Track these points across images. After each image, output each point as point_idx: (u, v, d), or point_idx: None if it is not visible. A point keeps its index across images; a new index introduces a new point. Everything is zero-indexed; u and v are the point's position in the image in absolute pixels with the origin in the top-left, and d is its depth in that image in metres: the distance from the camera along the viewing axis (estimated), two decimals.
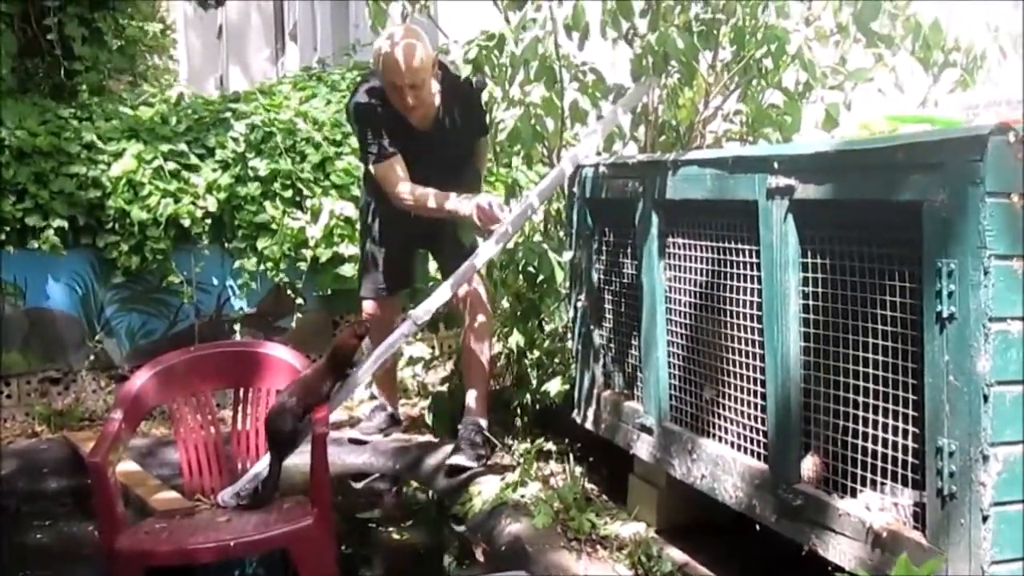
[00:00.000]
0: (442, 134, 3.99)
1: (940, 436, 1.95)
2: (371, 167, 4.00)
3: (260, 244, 5.21)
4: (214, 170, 5.23)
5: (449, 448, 4.03)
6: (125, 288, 5.15)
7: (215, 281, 5.30)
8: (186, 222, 5.09)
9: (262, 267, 5.25)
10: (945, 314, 1.92)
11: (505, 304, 4.32)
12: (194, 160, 5.24)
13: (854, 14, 3.18)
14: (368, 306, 4.34)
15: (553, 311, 4.37)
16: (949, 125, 2.32)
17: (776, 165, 2.40)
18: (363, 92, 4.00)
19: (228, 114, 5.53)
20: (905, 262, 2.07)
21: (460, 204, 3.80)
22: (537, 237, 4.22)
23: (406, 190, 3.92)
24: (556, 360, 4.19)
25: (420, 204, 3.92)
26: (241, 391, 3.45)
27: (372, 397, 4.88)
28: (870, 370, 2.20)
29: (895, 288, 2.11)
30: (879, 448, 2.18)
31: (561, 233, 4.14)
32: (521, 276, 3.92)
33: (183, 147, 5.25)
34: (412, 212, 3.99)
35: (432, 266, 4.58)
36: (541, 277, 3.79)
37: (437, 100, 3.96)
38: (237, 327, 5.31)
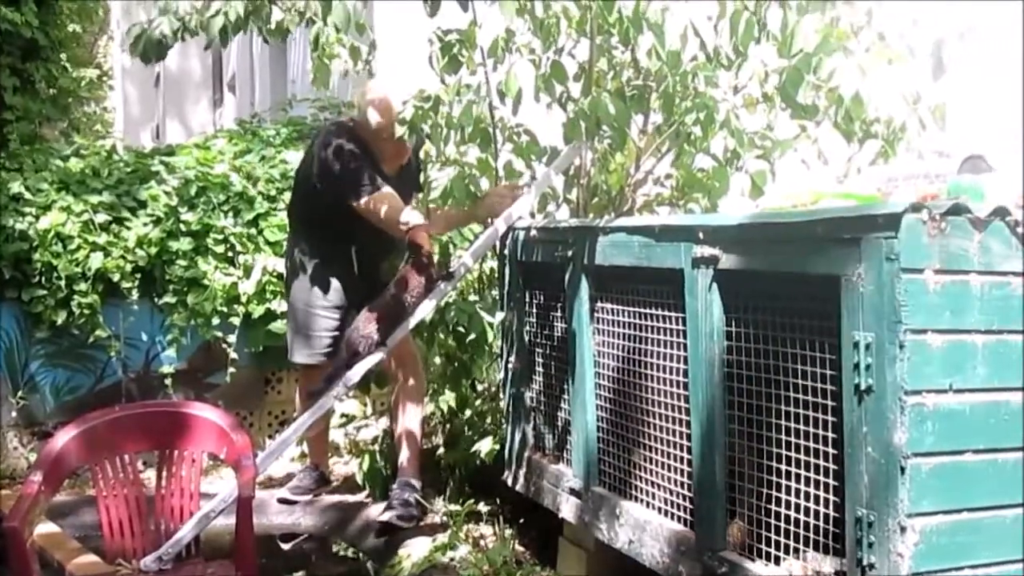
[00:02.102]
0: (400, 184, 4.00)
1: (859, 506, 1.98)
2: (364, 200, 3.84)
3: (191, 299, 5.16)
4: (145, 224, 5.18)
5: (380, 508, 3.99)
6: (51, 343, 5.06)
7: (144, 336, 5.23)
8: (115, 276, 5.02)
9: (193, 323, 5.19)
10: (863, 386, 1.96)
11: (437, 362, 4.31)
12: (125, 213, 5.18)
13: (778, 85, 3.25)
14: (303, 371, 4.30)
15: (486, 370, 4.37)
16: (868, 201, 2.38)
17: (701, 235, 2.44)
18: (343, 137, 3.96)
19: (161, 167, 5.48)
20: (825, 333, 2.11)
21: (483, 206, 3.83)
22: (472, 296, 4.22)
23: (412, 215, 3.81)
24: (488, 420, 4.18)
25: (437, 224, 3.95)
26: (166, 452, 3.39)
27: (303, 456, 4.83)
28: (792, 439, 2.23)
29: (815, 359, 2.15)
30: (801, 516, 2.21)
31: (495, 293, 4.15)
32: (451, 335, 3.92)
33: (114, 200, 5.19)
34: (355, 270, 4.02)
35: None
36: (471, 336, 3.79)
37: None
38: (167, 383, 5.22)
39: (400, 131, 3.67)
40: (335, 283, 4.11)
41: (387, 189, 3.86)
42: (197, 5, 4.17)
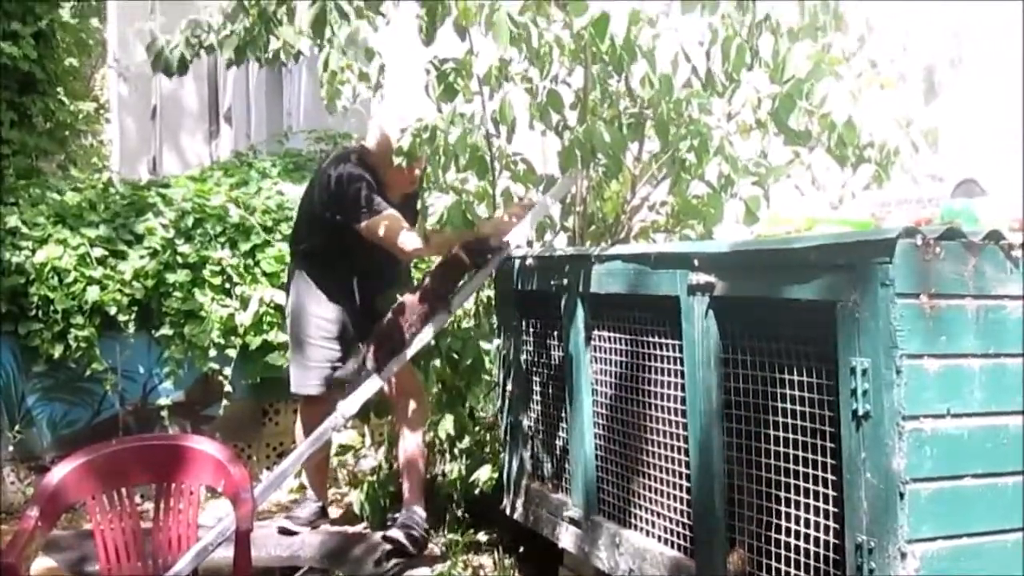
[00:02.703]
0: (405, 210, 4.01)
1: (859, 533, 1.98)
2: (369, 219, 3.85)
3: (188, 331, 5.15)
4: (142, 257, 5.18)
5: (378, 537, 3.97)
6: (47, 376, 5.04)
7: (141, 369, 5.22)
8: (112, 309, 5.02)
9: (190, 355, 5.18)
10: (860, 412, 1.96)
11: (434, 390, 4.31)
12: (121, 246, 5.19)
13: (771, 111, 3.27)
14: (303, 402, 4.29)
15: (483, 398, 4.36)
16: (863, 226, 2.39)
17: (696, 262, 2.45)
18: (350, 161, 3.97)
19: (157, 199, 5.49)
20: (822, 359, 2.11)
21: (490, 226, 3.80)
22: (465, 323, 4.23)
23: (410, 237, 3.84)
24: (486, 448, 4.17)
25: (435, 246, 3.90)
26: (164, 485, 3.37)
27: (302, 487, 4.80)
28: (791, 465, 2.23)
29: (813, 385, 2.15)
30: (801, 543, 2.20)
31: (491, 322, 4.15)
32: (446, 363, 3.92)
33: (110, 233, 5.19)
34: (356, 300, 4.02)
35: None
36: (466, 363, 3.79)
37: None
38: (164, 416, 5.21)
39: (398, 160, 3.68)
40: (336, 314, 4.11)
41: (389, 210, 3.86)
42: (213, 23, 4.17)
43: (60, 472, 3.21)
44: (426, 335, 3.66)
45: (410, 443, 4.05)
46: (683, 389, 2.56)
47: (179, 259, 5.23)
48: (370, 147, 4.00)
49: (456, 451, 4.25)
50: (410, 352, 3.65)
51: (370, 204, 3.86)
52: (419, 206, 4.06)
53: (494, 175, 3.81)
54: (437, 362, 4.05)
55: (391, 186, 3.98)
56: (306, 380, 4.18)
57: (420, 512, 3.96)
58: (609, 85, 3.73)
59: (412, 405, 4.06)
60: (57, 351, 4.93)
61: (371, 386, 3.61)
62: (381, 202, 3.88)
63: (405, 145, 3.65)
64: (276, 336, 5.13)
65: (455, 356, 3.84)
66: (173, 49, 4.15)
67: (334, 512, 4.61)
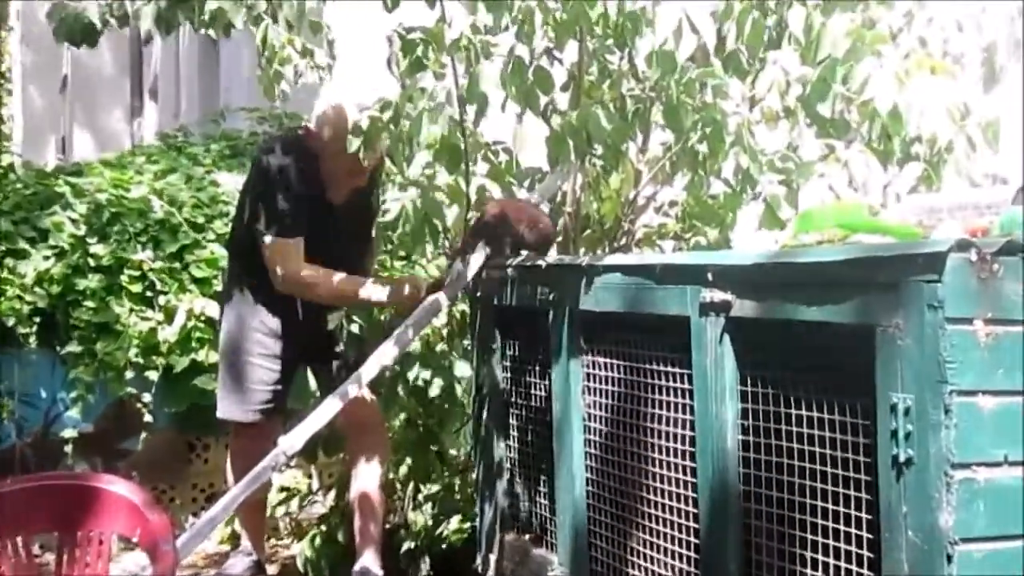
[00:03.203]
0: (351, 215, 4.01)
1: None
2: (271, 239, 3.95)
3: (100, 349, 5.13)
4: (47, 257, 5.17)
5: None
6: None
7: (43, 393, 5.20)
8: (10, 320, 5.00)
9: (102, 376, 5.16)
10: (902, 458, 1.96)
11: (396, 424, 4.31)
12: (22, 245, 5.17)
13: (801, 97, 3.29)
14: (236, 432, 4.28)
15: (455, 436, 4.36)
16: (907, 236, 2.40)
17: (710, 276, 2.45)
18: (290, 155, 3.99)
19: (67, 190, 5.48)
20: (857, 395, 2.12)
21: (385, 290, 3.91)
22: (439, 346, 4.23)
23: (310, 273, 3.94)
24: (456, 495, 4.17)
25: (329, 290, 3.97)
26: (68, 534, 3.36)
27: (234, 537, 4.79)
28: (819, 520, 2.23)
29: (846, 425, 2.15)
30: None
31: (466, 343, 4.15)
32: (413, 395, 3.91)
33: (9, 228, 5.18)
34: (300, 316, 4.04)
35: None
36: (437, 395, 3.79)
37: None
38: (69, 450, 5.18)
39: (356, 143, 3.68)
40: (275, 329, 4.11)
41: (295, 242, 3.93)
42: None
43: None
44: (387, 354, 3.65)
45: (366, 485, 4.05)
46: (692, 427, 2.57)
47: (91, 261, 5.22)
48: (314, 131, 3.99)
49: (421, 497, 4.25)
50: (365, 376, 3.64)
51: (282, 220, 3.91)
52: (375, 205, 4.06)
53: (467, 168, 3.81)
54: (401, 392, 4.05)
55: (336, 180, 3.98)
56: (240, 405, 4.18)
57: (376, 570, 3.95)
58: (609, 62, 3.74)
59: (372, 443, 4.06)
60: None
61: (319, 417, 3.60)
62: (300, 223, 3.93)
63: (364, 125, 3.65)
64: (207, 356, 5.12)
65: (422, 387, 3.83)
66: (79, 16, 4.13)
67: (273, 569, 4.60)
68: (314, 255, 3.99)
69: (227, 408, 4.25)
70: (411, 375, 3.85)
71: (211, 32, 4.02)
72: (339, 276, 3.96)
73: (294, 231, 3.95)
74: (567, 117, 3.52)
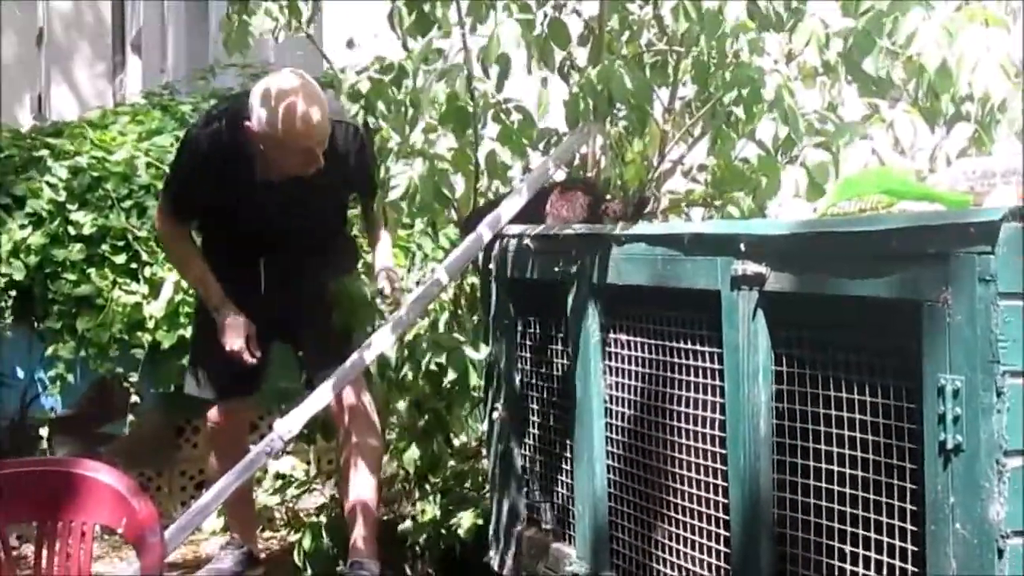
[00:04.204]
0: (303, 190, 4.00)
1: None
2: (163, 214, 4.27)
3: (81, 324, 5.15)
4: (23, 226, 5.18)
5: None
6: None
7: (19, 372, 5.22)
8: None
9: (83, 354, 5.18)
10: (950, 445, 1.96)
11: (401, 408, 4.31)
12: None
13: (843, 52, 3.28)
14: (212, 412, 4.31)
15: (465, 421, 4.37)
16: (956, 203, 2.40)
17: (743, 247, 2.45)
18: (211, 130, 4.03)
19: (45, 152, 5.48)
20: (901, 376, 2.12)
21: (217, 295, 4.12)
22: (443, 326, 4.23)
23: (178, 250, 4.29)
24: (467, 485, 4.18)
25: (174, 261, 4.45)
26: (48, 524, 3.38)
27: (224, 530, 4.82)
28: (860, 511, 2.24)
29: (889, 408, 2.16)
30: None
31: (475, 319, 4.16)
32: (423, 378, 3.92)
33: None
34: (262, 288, 4.16)
35: None
36: (449, 379, 3.80)
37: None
38: (48, 434, 5.21)
39: (353, 109, 3.68)
40: (234, 303, 4.12)
41: (185, 226, 4.24)
42: None
43: None
44: (385, 338, 3.66)
45: (361, 478, 4.07)
46: (722, 411, 2.57)
47: (71, 230, 5.22)
48: (253, 106, 3.92)
49: (428, 487, 4.26)
50: (368, 358, 3.66)
51: (186, 206, 4.19)
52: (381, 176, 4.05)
53: (476, 131, 3.81)
54: (410, 375, 4.05)
55: (273, 164, 3.98)
56: (194, 380, 4.34)
57: (373, 567, 3.97)
58: (631, 12, 3.72)
59: (364, 430, 4.08)
60: None
61: (317, 400, 3.62)
62: (192, 207, 4.19)
63: (363, 89, 3.65)
64: None
65: (436, 368, 3.83)
66: None
67: (268, 562, 4.62)
68: (255, 229, 4.12)
69: (191, 385, 4.38)
70: (423, 360, 3.84)
71: None
72: (182, 253, 4.27)
73: (185, 216, 4.22)
74: (586, 74, 3.51)
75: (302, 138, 3.84)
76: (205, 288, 4.16)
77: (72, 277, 5.18)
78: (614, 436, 3.04)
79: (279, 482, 4.82)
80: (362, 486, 4.07)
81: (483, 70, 3.60)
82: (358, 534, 4.04)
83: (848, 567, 2.27)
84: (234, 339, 4.00)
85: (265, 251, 4.17)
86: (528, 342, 3.52)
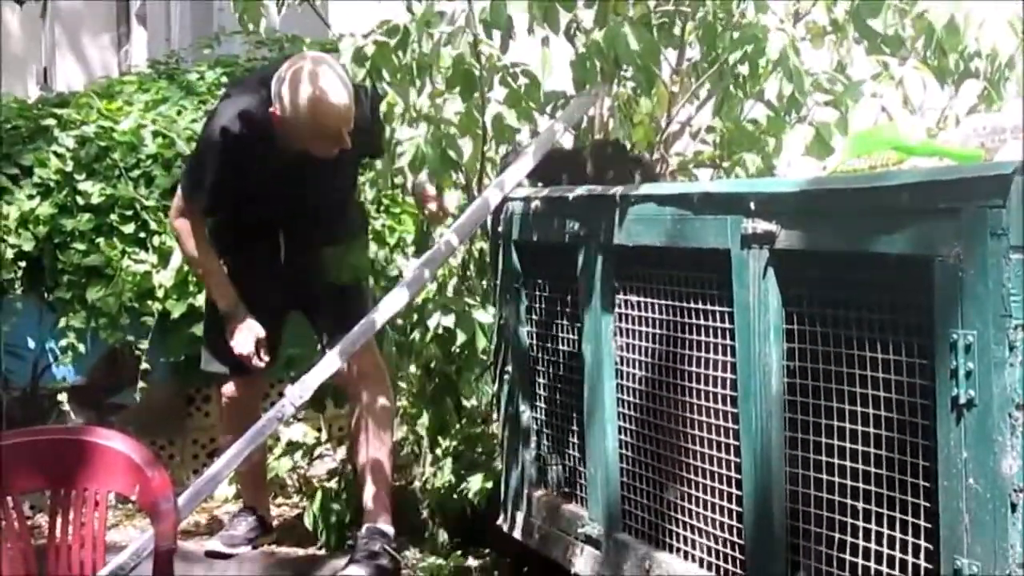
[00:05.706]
0: (326, 165, 4.00)
1: (958, 555, 1.99)
2: (183, 209, 4.15)
3: (91, 294, 5.15)
4: (31, 196, 5.17)
5: (338, 563, 4.01)
6: None
7: (30, 343, 5.23)
8: None
9: (94, 324, 5.18)
10: (962, 399, 1.97)
11: (412, 371, 4.32)
12: (4, 183, 5.18)
13: (850, 10, 3.26)
14: (227, 387, 4.32)
15: (475, 385, 4.37)
16: (967, 159, 2.39)
17: (753, 205, 2.45)
18: (234, 115, 3.98)
19: (51, 122, 5.48)
20: (913, 332, 2.12)
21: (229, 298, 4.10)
22: (452, 290, 4.23)
23: (193, 249, 4.16)
24: (478, 449, 4.19)
25: (185, 252, 4.30)
26: (62, 493, 3.39)
27: (237, 497, 4.83)
28: (872, 468, 2.24)
29: (901, 364, 2.15)
30: (884, 568, 2.22)
31: (484, 283, 4.16)
32: (433, 342, 3.92)
33: None
34: (282, 259, 4.15)
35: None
36: (460, 342, 3.79)
37: None
38: (60, 403, 5.22)
39: (359, 75, 3.66)
40: (253, 276, 4.12)
41: (200, 216, 4.14)
42: None
43: None
44: (397, 301, 3.66)
45: (373, 442, 4.07)
46: (734, 370, 2.58)
47: (80, 200, 5.22)
48: (280, 94, 3.88)
49: (439, 452, 4.26)
50: (379, 321, 3.66)
51: (208, 196, 4.05)
52: (387, 140, 4.04)
53: (483, 95, 3.80)
54: (419, 339, 4.05)
55: (300, 147, 3.93)
56: (213, 355, 4.29)
57: (386, 530, 3.99)
58: None
59: (376, 394, 4.08)
60: None
61: (328, 366, 3.62)
62: (215, 195, 4.04)
63: (368, 53, 3.63)
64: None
65: (445, 333, 3.83)
66: None
67: (280, 528, 4.63)
68: (280, 209, 4.11)
69: (204, 358, 4.37)
70: (431, 322, 3.84)
71: None
72: (193, 243, 4.14)
73: (204, 205, 4.11)
74: (592, 36, 3.50)
75: (331, 125, 3.82)
76: (219, 288, 4.14)
77: (81, 247, 5.18)
78: (625, 397, 3.05)
79: (289, 448, 4.82)
80: (375, 448, 4.08)
81: (485, 32, 3.58)
82: (370, 496, 4.05)
83: (861, 524, 2.27)
84: (245, 343, 4.02)
85: (284, 224, 4.16)
86: (537, 305, 3.52)
